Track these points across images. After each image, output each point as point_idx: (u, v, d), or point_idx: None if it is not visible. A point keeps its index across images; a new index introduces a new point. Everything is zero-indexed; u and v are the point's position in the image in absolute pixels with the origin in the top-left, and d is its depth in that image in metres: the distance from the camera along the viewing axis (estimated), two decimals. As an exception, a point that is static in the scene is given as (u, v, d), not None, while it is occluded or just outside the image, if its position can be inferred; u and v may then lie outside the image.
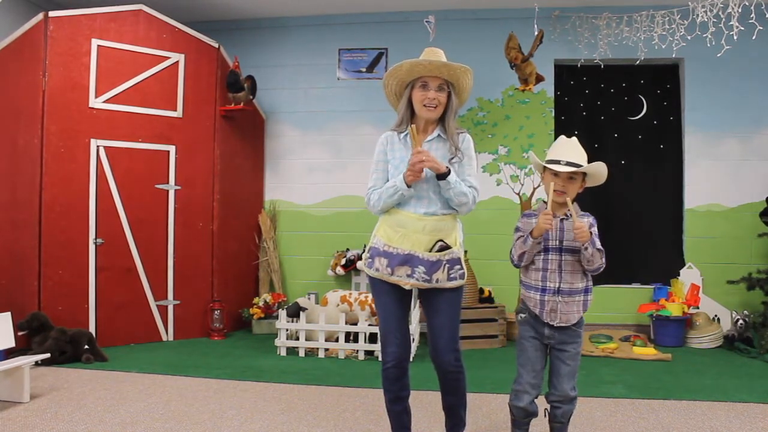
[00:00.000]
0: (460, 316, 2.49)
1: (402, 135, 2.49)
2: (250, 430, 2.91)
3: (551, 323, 2.37)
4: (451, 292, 2.42)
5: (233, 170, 5.45)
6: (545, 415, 2.48)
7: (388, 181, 2.48)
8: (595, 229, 2.40)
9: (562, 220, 2.39)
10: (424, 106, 2.42)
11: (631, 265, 5.55)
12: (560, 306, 2.35)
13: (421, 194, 2.41)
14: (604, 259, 2.36)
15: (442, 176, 2.34)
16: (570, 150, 2.39)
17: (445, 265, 2.38)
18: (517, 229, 2.48)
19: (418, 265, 2.36)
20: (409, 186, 2.35)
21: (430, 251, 2.37)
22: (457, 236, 2.45)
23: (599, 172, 2.40)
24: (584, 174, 2.41)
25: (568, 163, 2.34)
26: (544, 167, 2.42)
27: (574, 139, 2.44)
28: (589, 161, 2.40)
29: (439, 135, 2.47)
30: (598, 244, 2.36)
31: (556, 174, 2.37)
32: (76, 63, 4.53)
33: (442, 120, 2.48)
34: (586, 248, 2.31)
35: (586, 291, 2.41)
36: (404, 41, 5.68)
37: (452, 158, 2.44)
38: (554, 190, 2.38)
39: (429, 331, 2.48)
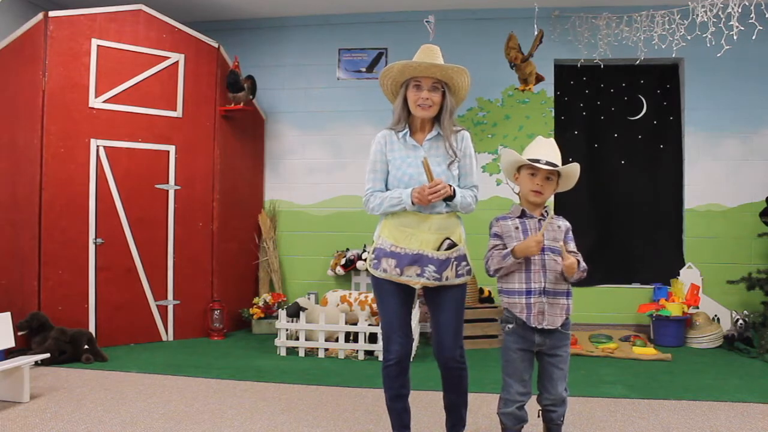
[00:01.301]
0: (464, 313, 2.51)
1: (400, 134, 2.50)
2: (250, 430, 2.91)
3: (539, 326, 2.32)
4: (456, 288, 2.44)
5: (233, 170, 5.45)
6: (538, 416, 2.47)
7: (386, 179, 2.50)
8: (570, 234, 2.42)
9: (539, 220, 2.39)
10: (418, 105, 2.44)
11: (631, 265, 5.55)
12: (547, 308, 2.32)
13: None
14: (585, 273, 2.36)
15: (448, 198, 2.38)
16: (549, 150, 2.39)
17: (453, 262, 2.40)
18: (495, 236, 2.43)
19: (428, 264, 2.36)
20: (413, 204, 2.36)
21: (438, 250, 2.38)
22: (461, 233, 2.48)
23: (573, 174, 2.42)
24: (558, 176, 2.41)
25: (548, 163, 2.34)
26: (520, 167, 2.41)
27: (551, 139, 2.45)
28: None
29: (438, 134, 2.48)
30: (579, 257, 2.35)
31: (533, 174, 2.37)
32: (76, 63, 4.53)
33: (438, 119, 2.48)
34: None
35: (568, 294, 2.39)
36: (404, 41, 5.67)
37: (451, 162, 2.44)
38: (532, 190, 2.38)
39: (434, 327, 2.49)
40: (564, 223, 2.43)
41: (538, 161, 2.34)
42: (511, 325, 2.39)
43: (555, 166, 2.35)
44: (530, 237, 2.30)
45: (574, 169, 2.40)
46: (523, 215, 2.41)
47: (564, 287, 2.37)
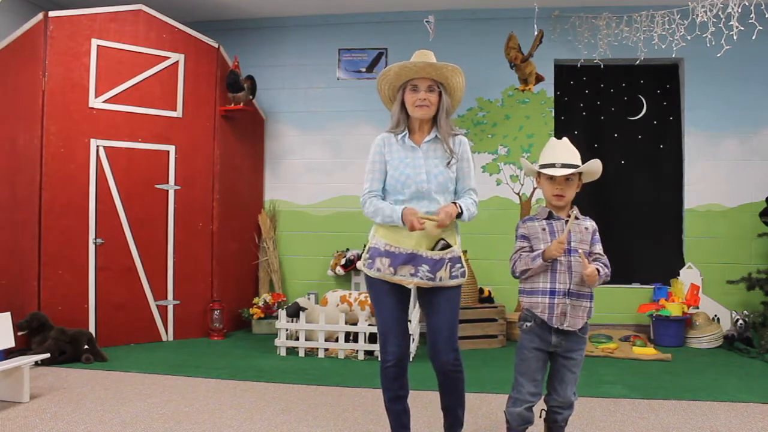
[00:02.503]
0: (458, 315, 2.50)
1: (399, 136, 2.51)
2: (250, 430, 2.91)
3: (560, 327, 2.31)
4: (450, 290, 2.43)
5: (233, 170, 5.45)
6: (540, 416, 2.47)
7: (384, 181, 2.50)
8: (597, 235, 2.41)
9: (566, 221, 2.37)
10: (416, 106, 2.45)
11: (630, 265, 5.54)
12: (569, 309, 2.31)
13: (423, 194, 2.43)
14: (608, 277, 2.37)
15: (457, 216, 2.40)
16: (563, 151, 2.37)
17: (447, 263, 2.39)
18: (522, 237, 2.41)
19: (422, 264, 2.36)
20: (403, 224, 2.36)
21: (433, 250, 2.38)
22: (456, 237, 2.47)
23: (595, 169, 2.39)
24: (580, 173, 2.40)
25: (564, 165, 2.33)
26: (539, 172, 2.40)
27: (565, 139, 2.44)
28: (587, 161, 2.39)
29: (436, 136, 2.49)
30: (604, 260, 2.36)
31: (552, 177, 2.36)
32: (76, 63, 4.53)
33: (436, 120, 2.49)
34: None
35: (591, 297, 2.38)
36: (404, 41, 5.68)
37: (449, 162, 2.45)
38: (553, 195, 2.37)
39: (428, 329, 2.48)
40: (591, 224, 2.42)
41: (553, 166, 2.33)
42: (529, 324, 2.38)
43: (573, 166, 2.33)
44: (555, 241, 2.27)
45: (594, 166, 2.37)
46: (550, 217, 2.40)
47: (587, 290, 2.36)
